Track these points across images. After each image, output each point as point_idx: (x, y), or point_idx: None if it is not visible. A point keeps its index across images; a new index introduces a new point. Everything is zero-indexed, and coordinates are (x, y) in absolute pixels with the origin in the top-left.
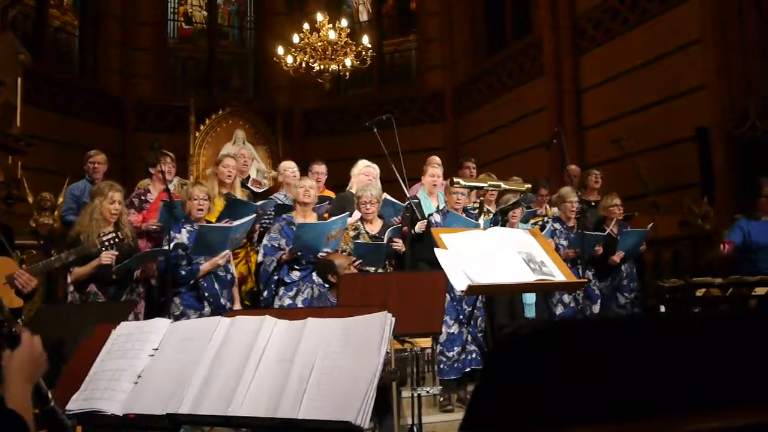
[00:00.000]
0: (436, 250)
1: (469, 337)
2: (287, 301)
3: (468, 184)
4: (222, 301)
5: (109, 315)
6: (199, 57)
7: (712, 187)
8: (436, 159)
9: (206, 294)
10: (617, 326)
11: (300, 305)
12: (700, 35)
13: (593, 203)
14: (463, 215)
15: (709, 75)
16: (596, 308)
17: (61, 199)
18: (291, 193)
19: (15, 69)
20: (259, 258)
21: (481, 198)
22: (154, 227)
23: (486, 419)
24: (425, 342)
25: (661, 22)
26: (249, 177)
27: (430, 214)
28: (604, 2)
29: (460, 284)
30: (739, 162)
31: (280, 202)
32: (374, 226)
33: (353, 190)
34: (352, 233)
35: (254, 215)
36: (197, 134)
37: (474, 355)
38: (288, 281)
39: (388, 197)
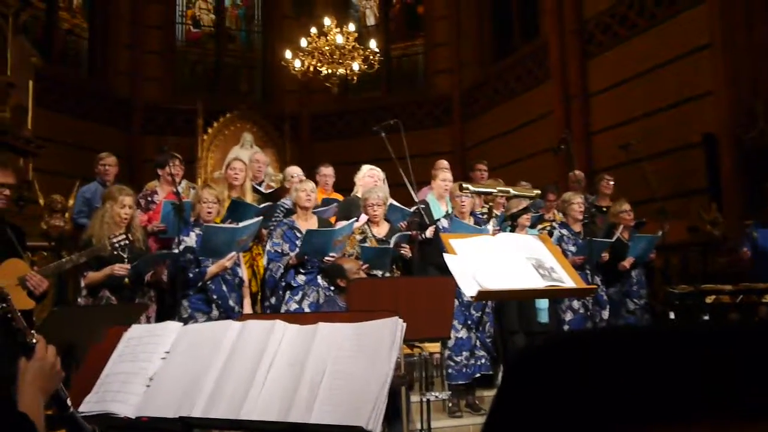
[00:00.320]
0: (445, 255)
1: (478, 343)
2: (293, 306)
3: (477, 189)
4: (230, 303)
5: (120, 317)
6: (207, 60)
7: (720, 193)
8: (446, 163)
9: (215, 297)
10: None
11: (306, 309)
12: (708, 40)
13: (605, 209)
14: (471, 220)
15: (718, 80)
16: (605, 314)
17: (72, 202)
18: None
19: (27, 72)
20: (265, 264)
21: (491, 203)
22: (158, 229)
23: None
24: (434, 347)
25: (670, 26)
26: (263, 182)
27: (438, 219)
28: (612, 7)
29: (470, 290)
30: (747, 168)
31: (287, 207)
32: (381, 229)
33: (359, 194)
34: (358, 237)
35: (261, 218)
36: (205, 137)
37: (483, 361)
38: (294, 285)
39: (395, 203)
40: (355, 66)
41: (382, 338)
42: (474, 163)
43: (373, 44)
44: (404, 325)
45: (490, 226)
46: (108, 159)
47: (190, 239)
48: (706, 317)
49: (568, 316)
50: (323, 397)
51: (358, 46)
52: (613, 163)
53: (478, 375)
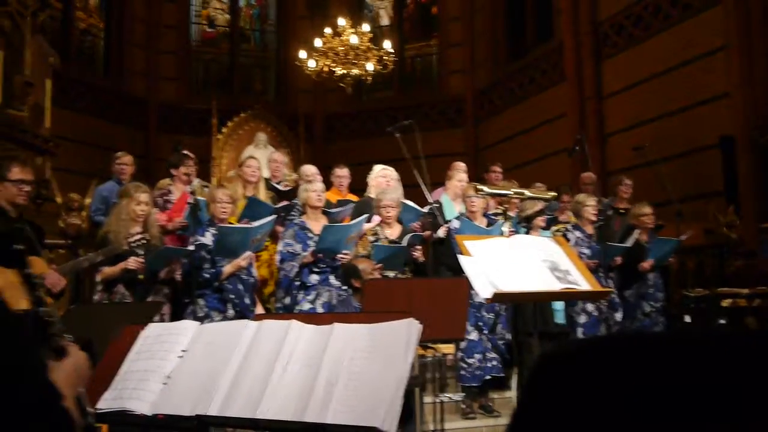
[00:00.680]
0: (460, 257)
1: (489, 345)
2: (306, 306)
3: (492, 191)
4: (246, 302)
5: (136, 315)
6: (222, 60)
7: (736, 196)
8: (463, 165)
9: (231, 296)
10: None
11: (319, 309)
12: (724, 42)
13: (622, 210)
14: (483, 220)
15: (734, 82)
16: (618, 317)
17: (89, 200)
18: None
19: (45, 71)
20: (277, 265)
21: (506, 205)
22: (180, 225)
23: None
24: (448, 348)
25: (685, 28)
26: (282, 180)
27: (449, 220)
28: (627, 8)
29: (485, 291)
30: (764, 170)
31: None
32: (393, 231)
33: (372, 194)
34: (371, 238)
35: (274, 216)
36: (219, 137)
37: (494, 363)
38: (308, 284)
39: (409, 203)
40: (370, 66)
41: (398, 339)
42: (489, 164)
43: (387, 45)
44: (420, 326)
45: (505, 228)
46: (124, 158)
47: (206, 238)
48: (722, 321)
49: (582, 319)
50: (339, 398)
51: (372, 46)
52: (627, 165)
53: (488, 377)
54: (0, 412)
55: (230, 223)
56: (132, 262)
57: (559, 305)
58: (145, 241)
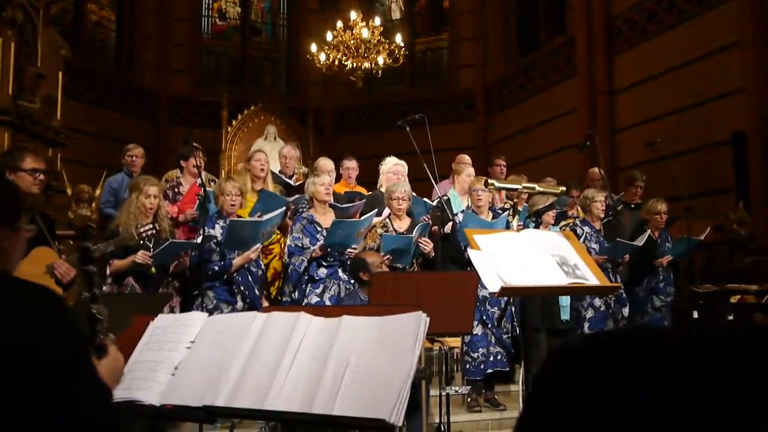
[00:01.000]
0: (469, 250)
1: (494, 339)
2: (314, 299)
3: (502, 185)
4: (256, 293)
5: (145, 306)
6: (233, 53)
7: (747, 192)
8: (468, 158)
9: (241, 288)
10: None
11: (327, 303)
12: (738, 37)
13: (633, 205)
14: (489, 214)
15: (748, 78)
16: (626, 311)
17: (99, 192)
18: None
19: (56, 63)
20: (285, 259)
21: (515, 200)
22: (192, 217)
23: None
24: (455, 341)
25: (698, 23)
26: (293, 175)
27: (455, 214)
28: (641, 3)
29: (493, 285)
30: None
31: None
32: (403, 224)
33: (383, 189)
34: (380, 230)
35: (283, 208)
36: (229, 129)
37: (499, 357)
38: (317, 278)
39: (418, 196)
40: (380, 60)
41: (406, 332)
42: (493, 158)
43: (398, 38)
44: (428, 319)
45: (514, 222)
46: (135, 150)
47: (215, 231)
48: (731, 317)
49: (589, 314)
50: (346, 390)
51: (383, 40)
52: (638, 161)
53: (491, 371)
54: (57, 395)
55: (239, 216)
56: (140, 256)
57: (565, 301)
58: (154, 233)
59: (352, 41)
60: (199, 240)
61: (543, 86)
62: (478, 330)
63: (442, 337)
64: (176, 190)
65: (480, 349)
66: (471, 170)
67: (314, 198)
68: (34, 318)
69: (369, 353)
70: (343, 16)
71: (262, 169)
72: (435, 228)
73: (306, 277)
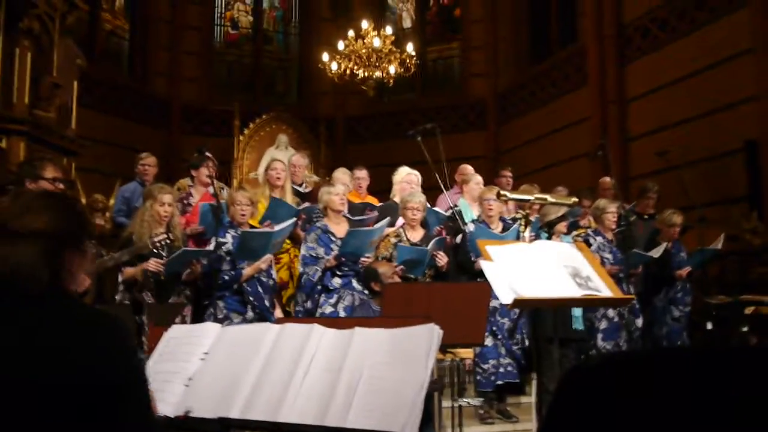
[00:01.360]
0: (481, 261)
1: (504, 351)
2: (328, 309)
3: (515, 196)
4: (266, 303)
5: (158, 316)
6: (245, 61)
7: (760, 201)
8: (471, 168)
9: (251, 298)
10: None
11: (341, 313)
12: (750, 45)
13: (646, 216)
14: (500, 225)
15: (760, 86)
16: (639, 322)
17: (112, 201)
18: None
19: (72, 73)
20: (300, 268)
21: (527, 210)
22: (197, 231)
23: None
24: (467, 352)
25: (710, 31)
26: (302, 183)
27: (465, 224)
28: (652, 11)
29: (505, 297)
30: None
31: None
32: (416, 234)
33: (396, 199)
34: (393, 239)
35: (294, 219)
36: (241, 138)
37: (509, 369)
38: (331, 288)
39: (436, 207)
40: (392, 69)
41: (419, 345)
42: (499, 169)
43: (410, 47)
44: (441, 332)
45: (526, 233)
46: (148, 159)
47: (226, 240)
48: (745, 329)
49: (603, 324)
50: (359, 402)
51: (394, 49)
52: (650, 170)
53: (501, 383)
54: (110, 422)
55: (251, 225)
56: (152, 264)
57: (577, 311)
58: (168, 242)
59: (363, 50)
60: (211, 248)
61: (554, 95)
62: (488, 341)
63: (454, 349)
64: (186, 201)
65: (490, 361)
66: (479, 178)
67: (329, 208)
68: (94, 344)
69: (382, 366)
70: (354, 26)
71: (278, 178)
72: (449, 238)
73: (320, 287)
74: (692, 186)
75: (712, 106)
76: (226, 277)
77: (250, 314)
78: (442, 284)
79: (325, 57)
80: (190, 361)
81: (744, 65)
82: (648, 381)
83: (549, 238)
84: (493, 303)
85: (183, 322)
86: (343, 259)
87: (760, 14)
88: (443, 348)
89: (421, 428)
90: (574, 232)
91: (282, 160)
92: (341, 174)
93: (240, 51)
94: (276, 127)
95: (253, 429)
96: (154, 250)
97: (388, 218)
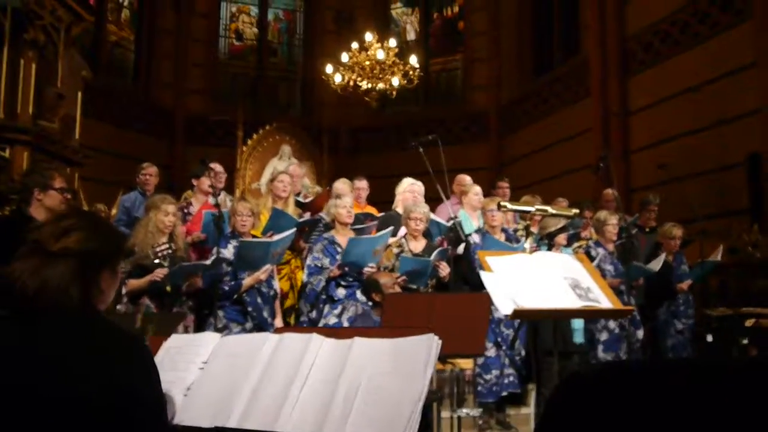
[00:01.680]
0: (481, 272)
1: (507, 361)
2: (333, 320)
3: (515, 207)
4: (265, 315)
5: (159, 325)
6: (249, 73)
7: (762, 214)
8: (469, 178)
9: (250, 309)
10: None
11: (345, 324)
12: (753, 59)
13: (648, 229)
14: (502, 235)
15: (764, 99)
16: (640, 334)
17: (114, 211)
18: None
19: (77, 84)
20: (305, 278)
21: (528, 222)
22: (198, 239)
23: None
24: (467, 363)
25: (713, 44)
26: (300, 192)
27: (468, 235)
28: (655, 24)
29: (505, 308)
30: None
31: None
32: (418, 245)
33: (399, 209)
34: (395, 250)
35: (294, 230)
36: (244, 148)
37: (511, 379)
38: (335, 299)
39: (434, 216)
40: (395, 81)
41: (418, 355)
42: (497, 181)
43: (413, 60)
44: (440, 342)
45: (527, 244)
46: (149, 169)
47: (228, 251)
48: (745, 341)
49: (604, 336)
50: (357, 413)
51: (398, 61)
52: (652, 182)
53: (505, 393)
54: None
55: (253, 236)
56: (159, 273)
57: (578, 323)
58: (171, 252)
59: (367, 62)
60: (209, 261)
61: (557, 107)
62: (491, 352)
63: (454, 359)
64: (186, 210)
65: (493, 371)
66: (477, 188)
67: (336, 220)
68: (118, 363)
69: (380, 376)
70: (358, 38)
71: (284, 190)
72: (450, 249)
73: (324, 297)
74: (694, 198)
75: (715, 119)
76: (226, 288)
77: (249, 324)
78: (442, 295)
79: (329, 69)
80: (189, 370)
81: (747, 79)
82: (644, 390)
83: (549, 249)
84: (499, 313)
85: (186, 331)
86: (347, 269)
87: (763, 28)
88: (443, 358)
89: None
90: (576, 244)
91: (288, 173)
92: (341, 184)
93: (244, 62)
94: (279, 137)
95: None
96: (156, 261)
97: (391, 227)
